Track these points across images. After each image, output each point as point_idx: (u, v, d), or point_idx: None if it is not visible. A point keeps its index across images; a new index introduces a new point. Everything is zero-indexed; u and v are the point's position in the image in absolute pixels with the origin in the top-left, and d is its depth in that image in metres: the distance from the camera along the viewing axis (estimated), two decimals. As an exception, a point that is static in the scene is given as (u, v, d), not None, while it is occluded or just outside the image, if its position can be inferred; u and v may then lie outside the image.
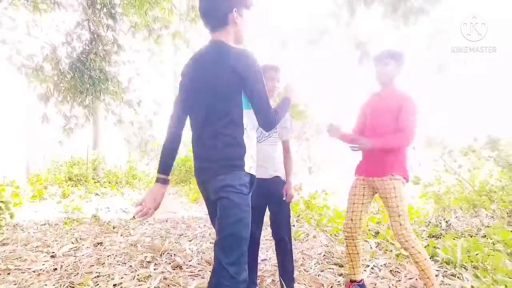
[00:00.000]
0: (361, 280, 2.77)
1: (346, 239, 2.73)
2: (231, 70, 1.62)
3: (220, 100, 1.65)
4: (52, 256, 3.69)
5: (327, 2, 6.87)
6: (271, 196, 2.52)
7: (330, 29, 7.06)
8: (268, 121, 1.70)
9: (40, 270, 3.24)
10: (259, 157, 2.44)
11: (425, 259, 2.41)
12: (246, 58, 1.65)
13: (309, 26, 7.29)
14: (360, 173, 2.72)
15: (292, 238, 2.71)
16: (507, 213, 5.25)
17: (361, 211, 2.68)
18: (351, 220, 2.68)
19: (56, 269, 3.28)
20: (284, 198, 2.51)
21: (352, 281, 2.76)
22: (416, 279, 2.98)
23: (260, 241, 2.73)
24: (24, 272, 3.17)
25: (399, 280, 2.99)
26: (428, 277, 2.42)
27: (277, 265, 2.71)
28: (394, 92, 2.61)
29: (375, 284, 2.94)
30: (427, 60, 6.21)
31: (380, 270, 3.23)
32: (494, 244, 3.82)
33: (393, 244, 3.90)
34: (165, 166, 1.82)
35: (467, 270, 3.16)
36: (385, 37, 6.30)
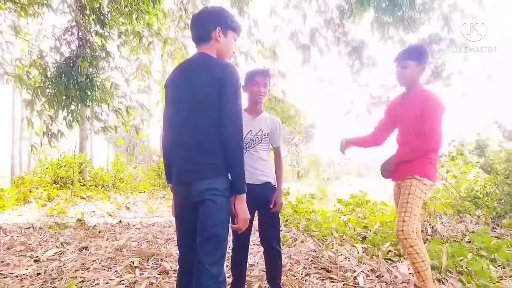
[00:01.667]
0: None
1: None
2: (213, 77, 1.66)
3: (203, 106, 1.69)
4: (36, 261, 3.62)
5: (320, 7, 6.85)
6: (261, 202, 2.47)
7: (322, 33, 7.07)
8: (229, 133, 1.65)
9: (24, 274, 3.17)
10: (249, 163, 2.43)
11: (422, 261, 2.35)
12: (227, 68, 1.70)
13: (301, 30, 7.26)
14: (392, 178, 2.67)
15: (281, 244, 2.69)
16: (491, 219, 5.33)
17: None
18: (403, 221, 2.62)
19: (39, 273, 3.22)
20: (271, 206, 2.50)
21: None
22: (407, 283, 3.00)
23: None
24: (6, 277, 3.10)
25: (388, 283, 3.01)
26: (423, 280, 2.38)
27: (263, 270, 2.70)
28: (419, 94, 2.48)
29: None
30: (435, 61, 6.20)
31: (367, 275, 3.24)
32: (478, 250, 3.88)
33: (379, 250, 3.93)
34: (171, 175, 1.90)
35: (452, 275, 3.19)
36: (377, 44, 6.34)
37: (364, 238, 4.57)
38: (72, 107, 5.50)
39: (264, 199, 2.49)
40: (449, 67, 6.13)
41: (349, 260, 3.65)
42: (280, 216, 2.61)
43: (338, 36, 6.78)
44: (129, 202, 9.82)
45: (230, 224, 1.75)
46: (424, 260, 2.36)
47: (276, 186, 2.57)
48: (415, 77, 2.50)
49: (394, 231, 2.45)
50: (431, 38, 5.83)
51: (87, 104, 5.52)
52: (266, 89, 2.53)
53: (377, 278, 3.16)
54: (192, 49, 7.48)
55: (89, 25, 5.73)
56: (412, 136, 2.49)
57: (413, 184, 2.41)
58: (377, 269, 3.38)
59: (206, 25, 1.81)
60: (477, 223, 5.24)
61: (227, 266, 1.78)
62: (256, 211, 2.56)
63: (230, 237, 1.80)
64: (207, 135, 1.68)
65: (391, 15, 5.43)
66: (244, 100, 3.06)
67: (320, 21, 6.95)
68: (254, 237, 4.27)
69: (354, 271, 3.31)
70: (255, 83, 2.51)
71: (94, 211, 8.19)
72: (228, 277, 2.57)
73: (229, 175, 1.70)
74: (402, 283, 3.03)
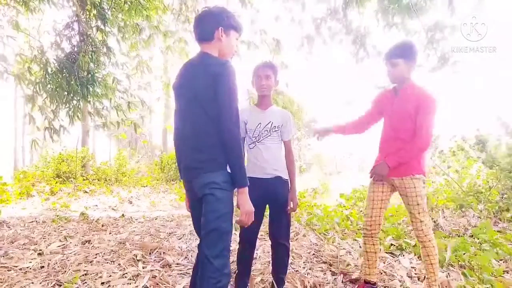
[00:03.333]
0: (375, 282, 2.72)
1: (364, 237, 2.71)
2: (208, 74, 1.70)
3: (199, 103, 1.72)
4: (39, 254, 3.64)
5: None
6: (272, 197, 2.46)
7: (325, 22, 7.00)
8: (225, 128, 1.67)
9: (27, 268, 3.20)
10: (257, 156, 2.44)
11: (436, 254, 2.48)
12: (222, 65, 1.73)
13: (304, 21, 7.19)
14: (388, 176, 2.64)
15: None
16: (494, 214, 5.33)
17: (380, 208, 2.66)
18: (371, 217, 2.67)
19: (43, 267, 3.24)
20: (288, 208, 2.47)
21: (366, 282, 2.72)
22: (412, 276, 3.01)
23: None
24: (10, 270, 3.13)
25: (392, 280, 3.02)
26: (433, 272, 2.48)
27: (266, 264, 2.69)
28: (413, 90, 2.50)
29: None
30: (424, 58, 6.17)
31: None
32: (480, 244, 3.88)
33: (380, 244, 3.93)
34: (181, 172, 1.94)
35: (454, 269, 3.20)
36: (382, 32, 6.27)
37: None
38: (74, 102, 5.50)
39: (274, 194, 2.46)
40: (455, 54, 6.06)
41: (350, 254, 3.67)
42: (290, 216, 2.59)
43: (342, 24, 6.72)
44: (131, 196, 9.86)
45: (235, 219, 1.77)
46: (437, 253, 2.50)
47: (287, 180, 2.54)
48: (405, 74, 2.52)
49: (414, 231, 2.52)
50: (436, 25, 5.77)
51: (89, 99, 5.51)
52: (269, 81, 2.49)
53: (379, 272, 3.16)
54: (193, 44, 7.46)
55: (90, 21, 5.70)
56: (406, 133, 2.50)
57: (416, 185, 2.47)
58: (379, 263, 3.39)
59: (208, 25, 1.85)
60: (479, 217, 5.24)
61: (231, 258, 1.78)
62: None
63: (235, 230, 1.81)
64: (204, 131, 1.72)
65: (396, 3, 5.40)
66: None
67: (323, 9, 6.90)
68: (256, 231, 4.28)
69: (355, 266, 3.32)
70: (257, 76, 2.51)
71: (97, 205, 8.23)
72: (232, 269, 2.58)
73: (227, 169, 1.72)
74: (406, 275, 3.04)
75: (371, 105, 2.85)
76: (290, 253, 2.65)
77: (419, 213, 2.46)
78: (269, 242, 2.66)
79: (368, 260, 2.71)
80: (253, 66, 2.60)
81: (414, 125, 2.45)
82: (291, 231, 4.51)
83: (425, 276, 2.59)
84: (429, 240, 2.46)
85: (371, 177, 2.64)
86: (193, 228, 2.00)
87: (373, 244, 2.68)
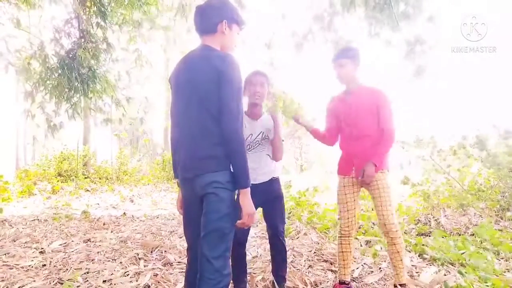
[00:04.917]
0: (349, 282, 2.75)
1: (342, 238, 2.71)
2: (212, 69, 1.64)
3: (201, 99, 1.66)
4: (41, 252, 3.66)
5: (311, 4, 6.87)
6: (267, 197, 2.50)
7: (314, 31, 7.10)
8: (228, 127, 1.62)
9: (29, 266, 3.21)
10: (249, 164, 2.45)
11: (404, 248, 2.51)
12: (226, 59, 1.67)
13: (294, 28, 7.29)
14: (347, 173, 2.69)
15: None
16: (495, 212, 5.32)
17: (354, 209, 2.69)
18: (348, 219, 2.68)
19: (45, 265, 3.26)
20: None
21: (341, 283, 2.73)
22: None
23: (251, 238, 2.72)
24: (12, 268, 3.14)
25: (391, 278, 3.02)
26: (402, 267, 2.50)
27: (267, 262, 2.69)
28: (364, 89, 2.62)
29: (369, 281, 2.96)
30: (417, 60, 6.28)
31: (370, 267, 3.26)
32: (481, 243, 3.88)
33: (381, 241, 3.94)
34: (177, 171, 1.88)
35: (454, 267, 3.20)
36: (368, 40, 6.36)
37: (366, 230, 4.58)
38: (75, 99, 5.50)
39: (270, 194, 2.51)
40: (434, 67, 6.22)
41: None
42: (284, 209, 2.61)
43: (327, 32, 6.81)
44: (133, 195, 9.87)
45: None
46: (404, 247, 2.52)
47: (277, 178, 2.59)
48: (353, 75, 2.63)
49: (383, 225, 2.50)
50: (416, 39, 5.94)
51: (90, 96, 5.51)
52: (263, 89, 2.48)
53: (379, 270, 3.17)
54: (191, 38, 7.48)
55: (90, 17, 5.71)
56: (370, 129, 2.56)
57: (384, 178, 2.54)
58: (380, 262, 3.39)
59: (212, 17, 1.79)
60: (480, 216, 5.23)
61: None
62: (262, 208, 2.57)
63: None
64: (206, 129, 1.66)
65: (380, 11, 5.46)
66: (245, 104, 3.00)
67: (311, 16, 6.99)
68: (257, 230, 4.29)
69: (357, 263, 3.33)
70: (251, 84, 2.48)
71: (98, 204, 8.24)
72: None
73: (230, 169, 1.67)
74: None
75: (327, 114, 2.86)
76: (287, 248, 2.65)
77: (390, 204, 2.49)
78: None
79: (343, 260, 2.73)
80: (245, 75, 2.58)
81: (377, 120, 2.55)
82: (292, 229, 4.53)
83: (393, 277, 2.57)
84: (399, 236, 2.47)
85: (364, 181, 2.55)
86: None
87: (349, 244, 2.71)
